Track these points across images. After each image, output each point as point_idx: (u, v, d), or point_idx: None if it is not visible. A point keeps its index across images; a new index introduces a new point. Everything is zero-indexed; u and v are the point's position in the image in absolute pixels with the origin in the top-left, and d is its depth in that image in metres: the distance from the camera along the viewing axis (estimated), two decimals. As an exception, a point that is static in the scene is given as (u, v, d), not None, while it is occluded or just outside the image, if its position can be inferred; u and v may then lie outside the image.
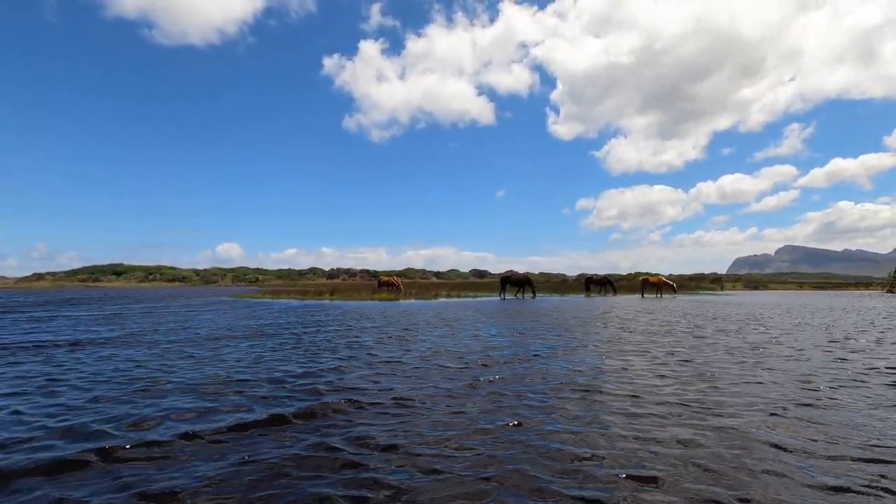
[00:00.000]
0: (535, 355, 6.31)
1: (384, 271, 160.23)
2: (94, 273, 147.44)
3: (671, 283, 33.90)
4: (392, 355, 6.27)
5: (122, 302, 24.76)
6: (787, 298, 33.15)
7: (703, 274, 78.40)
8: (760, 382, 4.80)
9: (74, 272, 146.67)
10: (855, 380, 4.86)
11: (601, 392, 4.30)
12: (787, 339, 8.30)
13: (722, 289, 62.67)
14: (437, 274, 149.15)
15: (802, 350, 6.92)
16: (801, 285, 67.90)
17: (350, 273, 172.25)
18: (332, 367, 5.50)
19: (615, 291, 37.82)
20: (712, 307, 19.51)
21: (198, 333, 9.11)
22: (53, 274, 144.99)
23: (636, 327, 10.44)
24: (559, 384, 4.62)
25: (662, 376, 5.11)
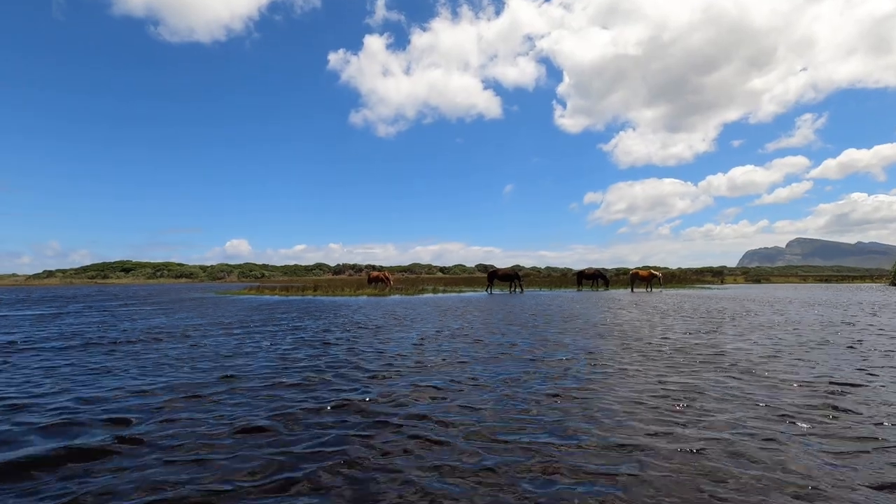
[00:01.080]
0: (416, 363, 6.27)
1: (391, 266, 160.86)
2: (102, 270, 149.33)
3: (658, 275, 33.62)
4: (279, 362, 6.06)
5: (90, 300, 25.06)
6: (782, 292, 32.77)
7: (706, 268, 77.60)
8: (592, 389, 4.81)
9: (84, 269, 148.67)
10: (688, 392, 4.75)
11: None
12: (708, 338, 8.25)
13: (722, 282, 62.04)
14: (443, 269, 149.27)
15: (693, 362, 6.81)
16: (804, 278, 67.06)
17: (356, 268, 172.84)
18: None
19: (607, 285, 37.66)
20: (690, 300, 19.37)
21: (103, 336, 8.48)
22: (64, 271, 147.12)
23: (573, 326, 10.42)
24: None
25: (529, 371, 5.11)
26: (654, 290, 34.73)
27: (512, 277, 30.51)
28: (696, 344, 6.98)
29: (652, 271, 33.04)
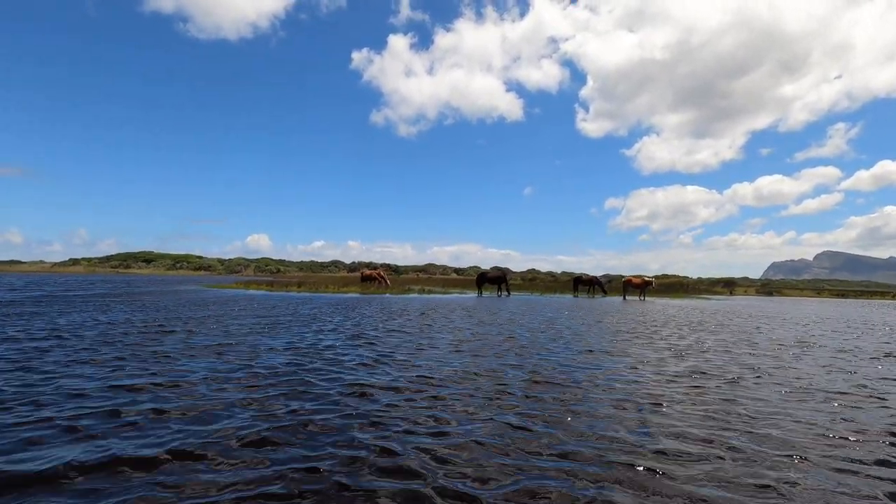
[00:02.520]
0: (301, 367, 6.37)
1: (407, 266, 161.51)
2: (125, 260, 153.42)
3: (652, 283, 33.14)
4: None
5: (88, 287, 25.93)
6: (785, 307, 32.07)
7: (719, 278, 76.03)
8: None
9: (108, 258, 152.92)
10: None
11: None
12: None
13: (732, 293, 60.80)
14: (458, 270, 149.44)
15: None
16: (819, 292, 65.12)
17: (371, 267, 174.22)
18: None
19: (605, 292, 37.25)
20: (674, 312, 19.16)
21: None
22: (89, 260, 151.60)
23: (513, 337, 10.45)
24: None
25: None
26: (646, 298, 34.26)
27: (500, 280, 30.49)
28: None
29: (645, 279, 32.61)
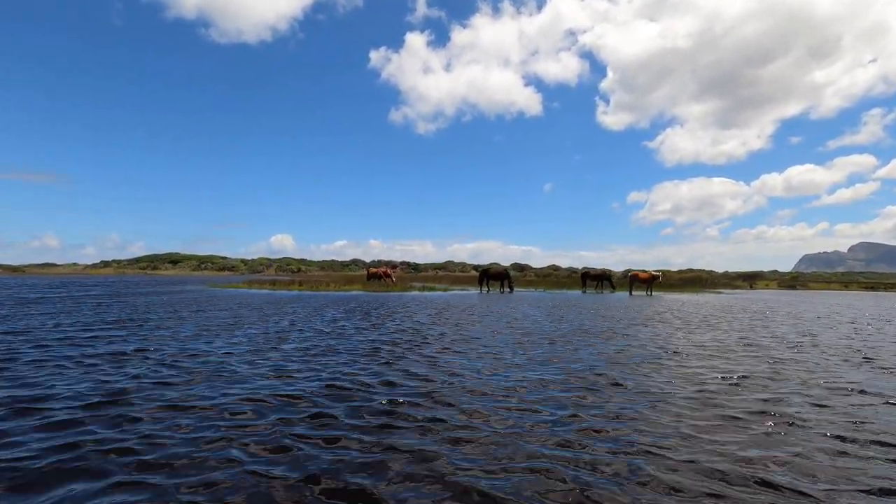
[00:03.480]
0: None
1: (427, 264, 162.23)
2: (153, 261, 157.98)
3: (660, 277, 32.67)
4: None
5: (92, 287, 26.99)
6: (801, 301, 31.23)
7: (742, 272, 74.21)
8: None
9: (137, 260, 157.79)
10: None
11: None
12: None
13: (752, 287, 59.31)
14: (476, 268, 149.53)
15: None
16: (846, 285, 62.83)
17: (391, 265, 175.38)
18: None
19: (613, 287, 36.85)
20: (675, 307, 19.03)
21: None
22: (118, 262, 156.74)
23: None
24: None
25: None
26: (654, 293, 33.78)
27: (503, 277, 30.53)
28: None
29: (653, 273, 32.15)
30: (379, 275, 36.22)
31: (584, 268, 44.46)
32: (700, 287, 52.52)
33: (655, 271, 32.64)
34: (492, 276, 30.62)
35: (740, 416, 3.77)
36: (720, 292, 41.55)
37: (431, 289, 29.76)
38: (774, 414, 3.85)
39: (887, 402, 4.29)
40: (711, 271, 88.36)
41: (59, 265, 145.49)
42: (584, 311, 14.97)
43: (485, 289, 31.03)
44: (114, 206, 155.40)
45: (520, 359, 6.18)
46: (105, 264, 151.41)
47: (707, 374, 5.39)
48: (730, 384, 4.90)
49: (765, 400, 4.30)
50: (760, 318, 13.64)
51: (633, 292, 33.41)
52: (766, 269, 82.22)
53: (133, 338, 7.36)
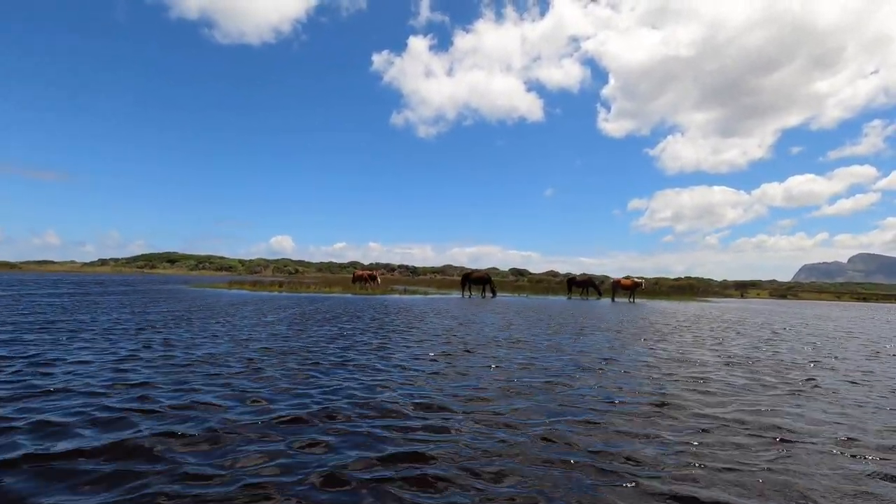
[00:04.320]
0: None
1: (426, 267, 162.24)
2: (151, 260, 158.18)
3: (642, 284, 32.68)
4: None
5: (63, 286, 27.04)
6: (780, 311, 31.27)
7: (735, 281, 74.19)
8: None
9: (134, 259, 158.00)
10: None
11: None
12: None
13: (743, 296, 59.25)
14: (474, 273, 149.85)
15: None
16: (839, 296, 62.80)
17: (389, 268, 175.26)
18: None
19: (599, 294, 36.85)
20: (647, 315, 19.07)
21: None
22: (116, 260, 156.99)
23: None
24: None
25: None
26: (636, 300, 33.77)
27: (485, 281, 30.56)
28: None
29: (635, 280, 32.19)
30: (364, 277, 36.38)
31: (568, 274, 44.47)
32: (690, 295, 52.54)
33: (638, 278, 32.67)
34: (473, 281, 30.66)
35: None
36: (707, 300, 41.51)
37: (413, 293, 29.78)
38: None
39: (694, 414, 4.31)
40: (710, 280, 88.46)
41: (56, 262, 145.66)
42: (543, 318, 14.98)
43: (467, 293, 31.03)
44: (114, 203, 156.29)
45: (400, 376, 5.44)
46: (103, 262, 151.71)
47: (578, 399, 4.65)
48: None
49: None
50: (721, 330, 13.64)
51: (616, 299, 33.45)
52: (765, 279, 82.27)
53: None
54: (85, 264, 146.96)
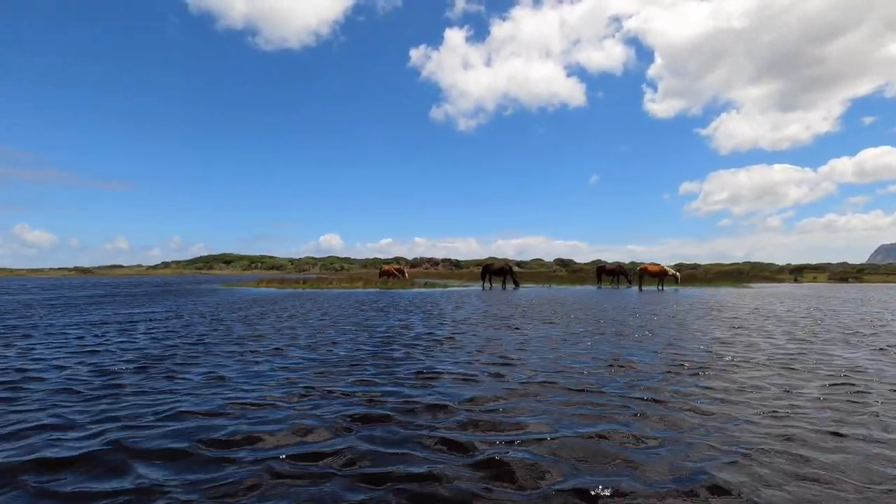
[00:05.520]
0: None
1: (469, 261, 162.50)
2: (208, 262, 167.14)
3: (674, 273, 31.48)
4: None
5: (107, 287, 29.21)
6: (833, 293, 29.38)
7: (782, 265, 69.88)
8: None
9: (193, 261, 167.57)
10: None
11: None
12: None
13: (797, 280, 55.79)
14: (520, 263, 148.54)
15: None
16: (907, 278, 57.59)
17: (432, 262, 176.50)
18: None
19: (629, 282, 35.91)
20: (669, 303, 18.69)
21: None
22: (177, 262, 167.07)
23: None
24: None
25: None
26: (665, 287, 32.58)
27: (505, 272, 30.50)
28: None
29: (664, 267, 31.08)
30: (391, 272, 37.13)
31: (599, 261, 43.45)
32: (739, 280, 50.00)
33: (668, 267, 31.48)
34: (493, 272, 30.65)
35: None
36: (747, 286, 39.43)
37: (433, 286, 30.23)
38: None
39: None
40: (765, 264, 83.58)
41: (125, 266, 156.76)
42: (539, 308, 14.95)
43: (487, 284, 31.07)
44: (177, 210, 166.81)
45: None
46: (165, 265, 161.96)
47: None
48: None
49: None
50: (732, 319, 13.15)
51: (644, 287, 32.46)
52: (835, 261, 76.56)
53: None
54: (149, 267, 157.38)
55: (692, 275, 54.35)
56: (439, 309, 13.57)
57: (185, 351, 6.47)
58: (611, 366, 5.64)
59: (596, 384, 4.68)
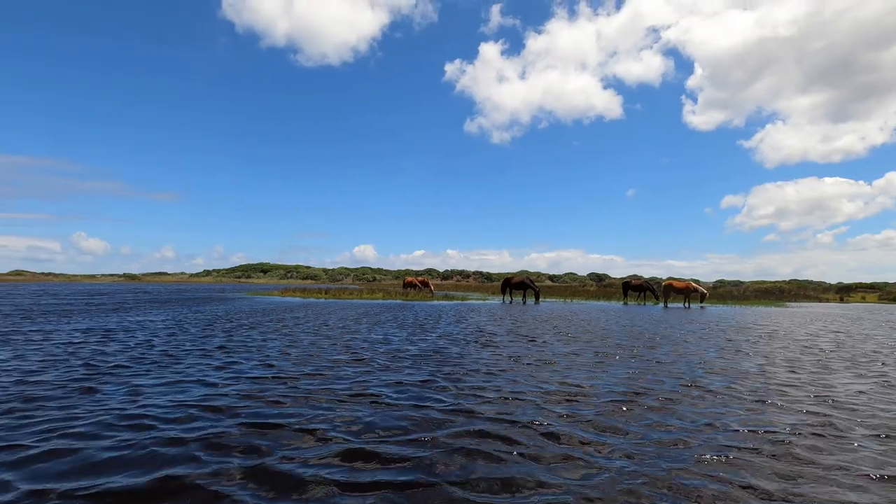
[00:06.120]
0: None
1: (501, 274, 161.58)
2: (246, 271, 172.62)
3: (702, 289, 30.19)
4: None
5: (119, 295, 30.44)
6: (884, 315, 27.71)
7: (829, 284, 66.03)
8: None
9: (232, 270, 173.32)
10: None
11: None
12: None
13: (842, 300, 52.50)
14: (552, 277, 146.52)
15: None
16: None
17: (464, 274, 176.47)
18: None
19: (657, 298, 34.76)
20: (681, 322, 18.07)
21: None
22: (218, 271, 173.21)
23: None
24: None
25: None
26: (691, 305, 31.27)
27: (525, 286, 30.09)
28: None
29: (691, 283, 29.89)
30: (415, 284, 37.29)
31: (633, 276, 42.22)
32: (780, 299, 47.64)
33: (696, 284, 30.29)
34: (513, 286, 30.32)
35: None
36: (786, 306, 37.37)
37: (451, 298, 30.17)
38: None
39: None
40: (810, 282, 79.21)
41: (169, 274, 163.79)
42: (534, 325, 14.62)
43: (507, 298, 30.75)
44: (220, 220, 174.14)
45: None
46: (207, 273, 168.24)
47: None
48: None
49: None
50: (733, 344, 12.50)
51: (670, 304, 31.29)
52: (893, 281, 71.72)
53: None
54: (192, 275, 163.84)
55: (728, 292, 52.19)
56: (432, 323, 13.49)
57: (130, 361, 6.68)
58: (546, 393, 5.30)
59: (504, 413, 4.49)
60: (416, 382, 5.48)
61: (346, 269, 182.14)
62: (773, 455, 3.43)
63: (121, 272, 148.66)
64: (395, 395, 4.85)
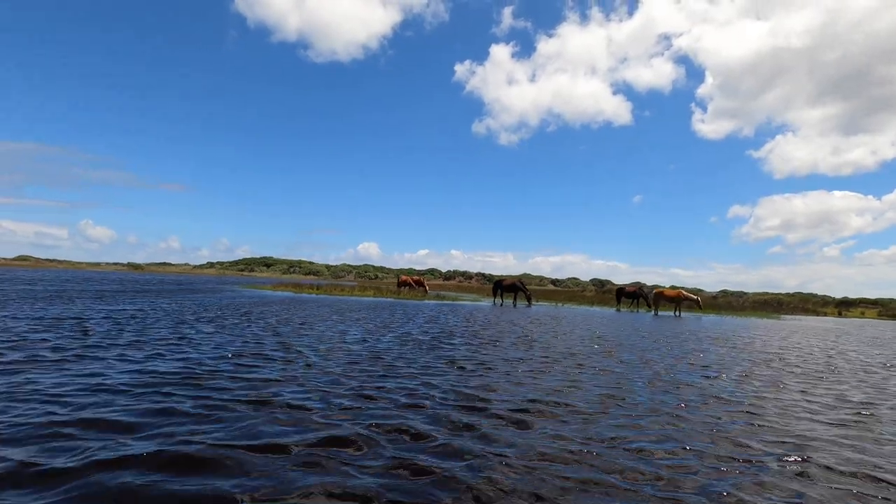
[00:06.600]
0: None
1: (507, 275, 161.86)
2: (249, 264, 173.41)
3: (695, 297, 30.01)
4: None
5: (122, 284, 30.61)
6: (873, 331, 27.50)
7: (831, 298, 65.37)
8: None
9: (235, 262, 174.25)
10: None
11: None
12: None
13: (840, 315, 52.00)
14: (555, 282, 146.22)
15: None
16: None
17: (467, 276, 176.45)
18: None
19: (649, 306, 34.62)
20: (664, 331, 17.99)
21: None
22: (221, 263, 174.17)
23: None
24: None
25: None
26: (683, 314, 31.07)
27: (516, 289, 30.06)
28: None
29: (682, 291, 29.71)
30: (409, 283, 37.38)
31: (632, 283, 41.99)
32: (777, 311, 47.36)
33: (687, 292, 30.09)
34: (504, 288, 30.29)
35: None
36: (780, 318, 37.06)
37: (442, 298, 30.21)
38: None
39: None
40: (824, 296, 78.41)
41: (173, 264, 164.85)
42: (499, 327, 14.57)
43: (498, 300, 30.74)
44: (226, 212, 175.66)
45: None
46: (210, 265, 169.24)
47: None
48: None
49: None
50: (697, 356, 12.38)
51: (661, 312, 31.12)
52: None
53: None
54: (195, 266, 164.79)
55: (728, 302, 51.82)
56: (400, 323, 13.48)
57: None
58: (445, 399, 5.08)
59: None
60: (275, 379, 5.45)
61: (348, 265, 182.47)
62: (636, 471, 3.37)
63: (125, 261, 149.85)
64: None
